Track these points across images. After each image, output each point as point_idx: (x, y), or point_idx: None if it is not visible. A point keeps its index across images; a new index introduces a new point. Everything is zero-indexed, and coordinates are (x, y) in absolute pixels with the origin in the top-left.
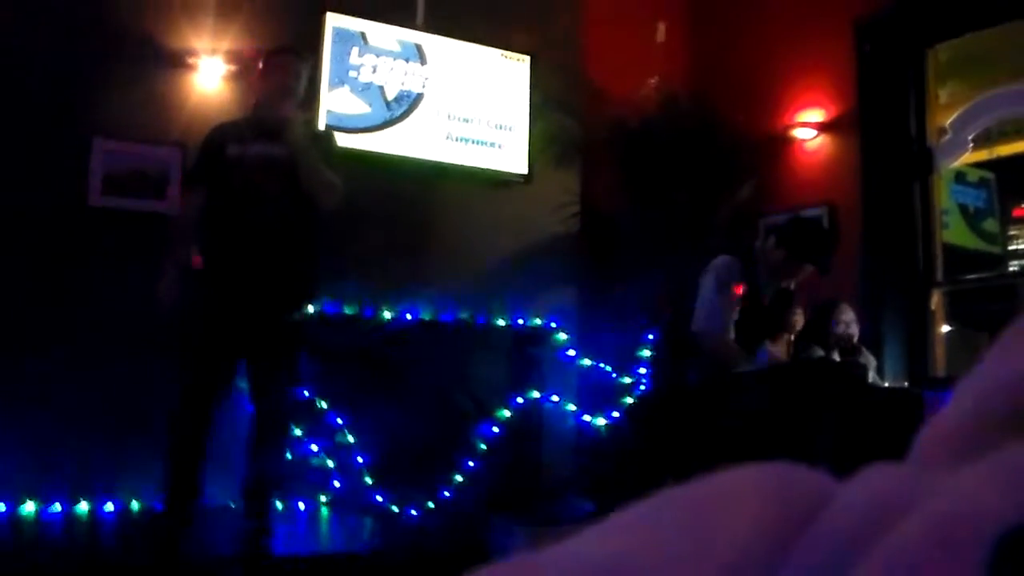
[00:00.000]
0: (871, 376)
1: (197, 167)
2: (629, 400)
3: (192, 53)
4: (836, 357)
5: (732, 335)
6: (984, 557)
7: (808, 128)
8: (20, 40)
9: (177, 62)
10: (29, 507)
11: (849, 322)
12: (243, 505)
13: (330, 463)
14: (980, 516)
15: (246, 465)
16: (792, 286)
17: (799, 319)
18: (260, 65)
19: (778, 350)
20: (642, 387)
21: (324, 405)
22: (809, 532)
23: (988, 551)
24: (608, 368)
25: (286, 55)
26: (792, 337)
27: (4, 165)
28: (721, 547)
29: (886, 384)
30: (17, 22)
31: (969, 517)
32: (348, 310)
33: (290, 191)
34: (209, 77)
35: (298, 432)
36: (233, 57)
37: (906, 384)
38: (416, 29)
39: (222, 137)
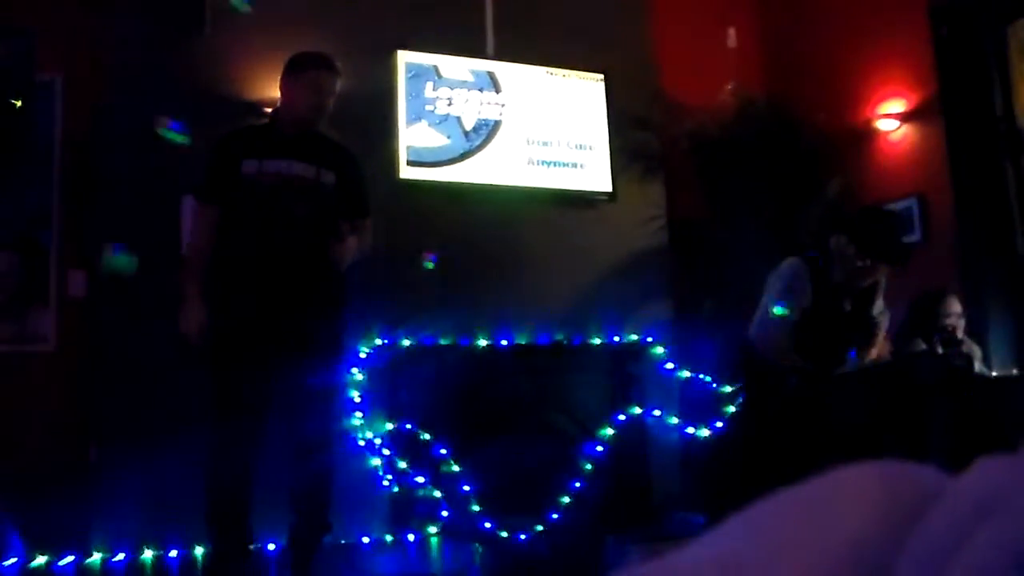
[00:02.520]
0: (977, 366)
1: (209, 183)
2: (732, 409)
3: (269, 103)
4: (939, 350)
5: (789, 343)
6: None
7: (891, 119)
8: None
9: (253, 112)
10: (147, 554)
11: (955, 314)
12: (290, 555)
13: (437, 494)
14: None
15: (292, 511)
16: (877, 282)
17: (883, 318)
18: (287, 72)
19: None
20: (740, 397)
21: (427, 437)
22: (921, 526)
23: None
24: (708, 379)
25: (318, 71)
26: (883, 336)
27: (103, 224)
28: (836, 543)
29: (994, 374)
30: None
31: None
32: (444, 341)
33: (319, 214)
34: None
35: (403, 465)
36: None
37: (1015, 372)
38: (487, 59)
39: (236, 150)
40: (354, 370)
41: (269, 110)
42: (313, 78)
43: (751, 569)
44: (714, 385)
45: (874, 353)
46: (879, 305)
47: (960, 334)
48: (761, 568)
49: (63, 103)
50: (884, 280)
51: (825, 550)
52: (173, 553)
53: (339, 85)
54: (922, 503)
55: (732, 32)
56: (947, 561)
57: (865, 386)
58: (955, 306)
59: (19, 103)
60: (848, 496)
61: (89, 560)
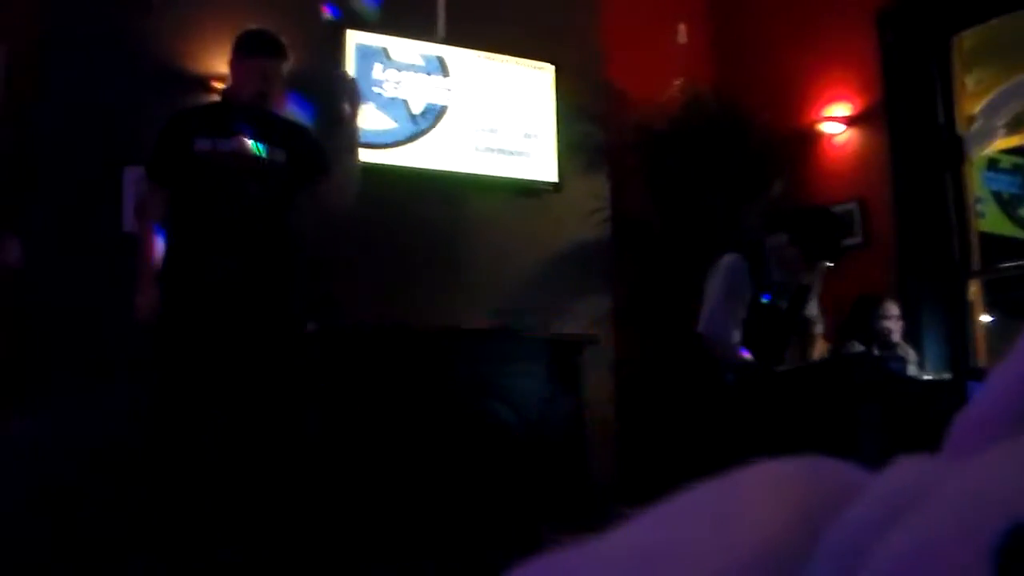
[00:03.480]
0: (911, 369)
1: (157, 162)
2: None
3: (216, 77)
4: (876, 352)
5: (737, 338)
6: (993, 544)
7: (836, 122)
8: (57, 71)
9: (201, 86)
10: None
11: (892, 317)
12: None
13: None
14: (989, 505)
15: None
16: (811, 283)
17: (818, 319)
18: (234, 53)
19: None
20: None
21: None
22: (835, 522)
23: (998, 538)
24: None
25: (264, 59)
26: (820, 336)
27: (45, 195)
28: (751, 536)
29: (927, 377)
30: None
31: (979, 506)
32: (381, 323)
33: (275, 195)
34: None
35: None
36: None
37: (947, 375)
38: (437, 42)
39: (188, 128)
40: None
41: (220, 86)
42: (257, 65)
43: (665, 560)
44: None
45: (815, 353)
46: (813, 306)
47: (896, 337)
48: (674, 560)
49: (4, 74)
50: (819, 281)
51: (737, 544)
52: None
53: (287, 67)
54: (840, 499)
55: (682, 28)
56: (858, 559)
57: (802, 384)
58: (892, 310)
59: None
60: (765, 489)
61: None
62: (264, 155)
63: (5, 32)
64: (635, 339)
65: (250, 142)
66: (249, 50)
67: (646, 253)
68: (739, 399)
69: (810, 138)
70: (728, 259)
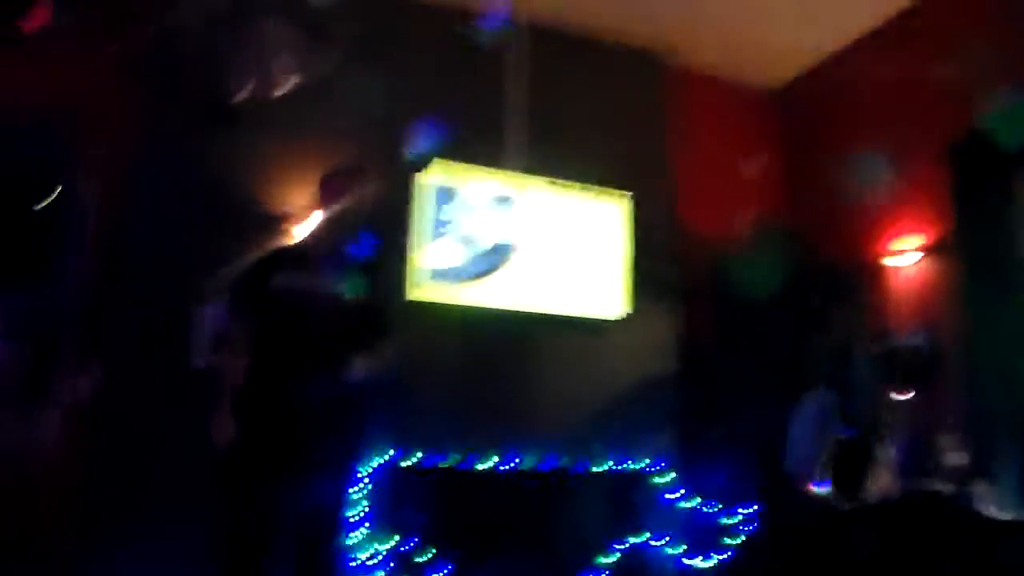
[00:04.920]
0: (988, 508)
1: (237, 298)
2: (737, 540)
3: (291, 216)
4: (947, 489)
5: (828, 474)
6: None
7: (907, 254)
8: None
9: (277, 224)
10: None
11: (957, 451)
12: None
13: None
14: None
15: None
16: (890, 417)
17: (887, 451)
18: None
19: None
20: (750, 526)
21: (426, 557)
22: None
23: None
24: (713, 509)
25: (336, 178)
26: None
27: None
28: None
29: (1007, 516)
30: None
31: None
32: (448, 461)
33: (339, 329)
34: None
35: None
36: None
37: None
38: (508, 177)
39: (271, 264)
40: (357, 488)
41: (292, 223)
42: (330, 186)
43: None
44: (719, 515)
45: (878, 483)
46: (894, 442)
47: (964, 474)
48: None
49: (92, 197)
50: (893, 411)
51: None
52: None
53: (362, 188)
54: None
55: (753, 163)
56: None
57: (875, 524)
58: (955, 442)
59: (47, 200)
60: None
61: None
62: (338, 291)
63: (96, 169)
64: (701, 473)
65: (327, 279)
66: (330, 174)
67: (714, 385)
68: (818, 534)
69: (880, 270)
70: (815, 395)
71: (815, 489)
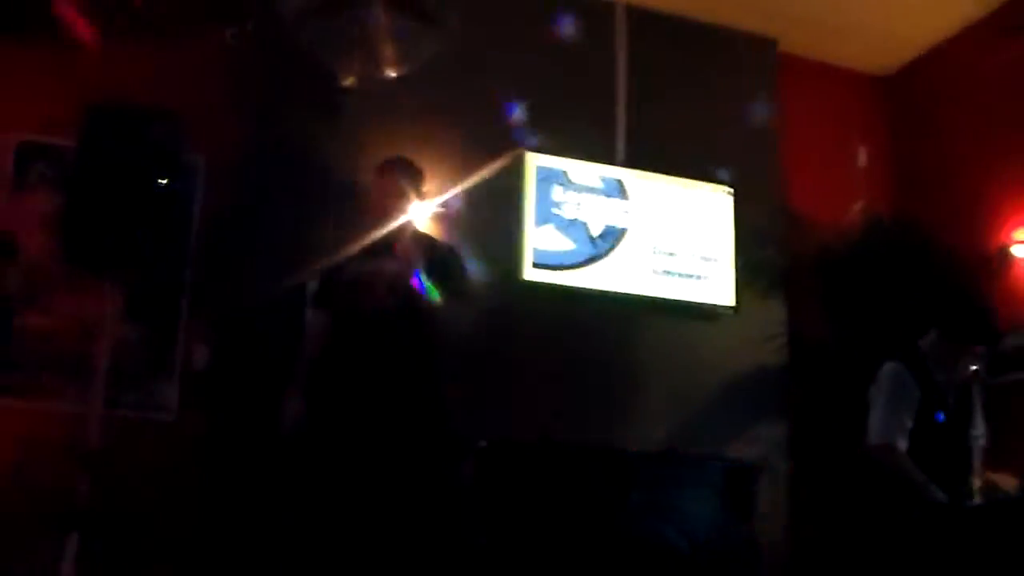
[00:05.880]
0: None
1: (319, 290)
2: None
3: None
4: None
5: (906, 446)
6: None
7: None
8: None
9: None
10: None
11: None
12: None
13: None
14: None
15: None
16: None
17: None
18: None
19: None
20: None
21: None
22: None
23: None
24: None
25: (385, 174)
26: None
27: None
28: None
29: None
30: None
31: None
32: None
33: (404, 308)
34: (419, 222)
35: None
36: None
37: None
38: (617, 166)
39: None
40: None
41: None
42: (378, 181)
43: None
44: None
45: (982, 480)
46: (979, 424)
47: None
48: None
49: (204, 182)
50: (981, 392)
51: None
52: None
53: (413, 184)
54: None
55: (862, 151)
56: None
57: (994, 524)
58: None
59: (165, 181)
60: None
61: None
62: (385, 270)
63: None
64: (812, 466)
65: (387, 261)
66: (380, 167)
67: (823, 378)
68: (927, 538)
69: (999, 260)
70: (888, 366)
71: (908, 464)
